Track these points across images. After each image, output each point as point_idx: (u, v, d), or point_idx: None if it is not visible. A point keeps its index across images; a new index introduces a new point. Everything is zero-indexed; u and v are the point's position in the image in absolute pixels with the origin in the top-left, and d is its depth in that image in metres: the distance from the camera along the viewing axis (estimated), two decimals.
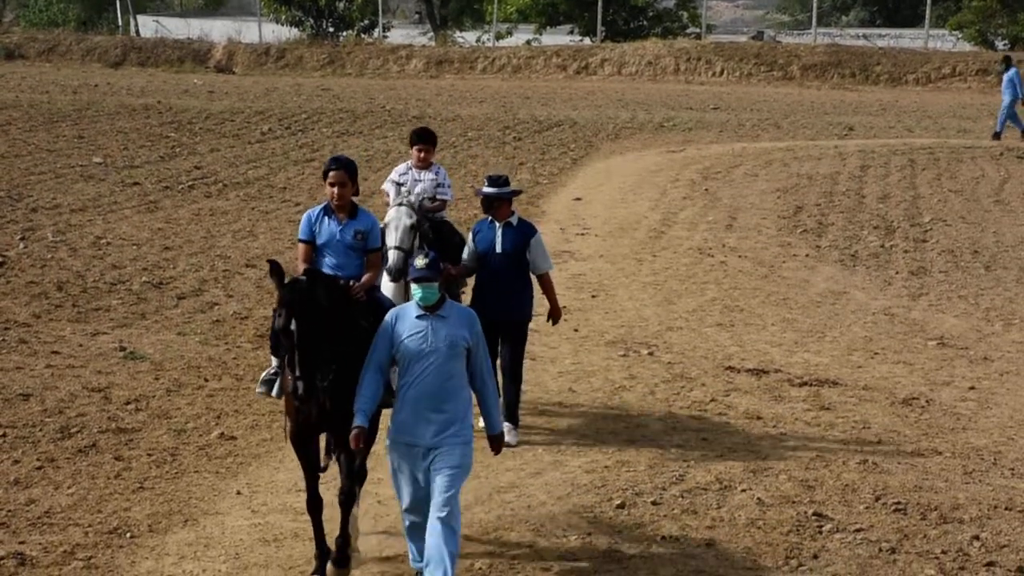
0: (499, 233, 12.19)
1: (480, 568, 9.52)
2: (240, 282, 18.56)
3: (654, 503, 10.82)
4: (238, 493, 10.99)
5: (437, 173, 13.47)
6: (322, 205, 10.09)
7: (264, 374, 10.19)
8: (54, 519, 10.35)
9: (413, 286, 8.66)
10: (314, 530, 9.29)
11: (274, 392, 9.86)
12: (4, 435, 12.09)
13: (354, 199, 10.08)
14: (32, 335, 15.52)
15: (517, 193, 12.63)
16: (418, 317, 8.66)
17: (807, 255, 21.43)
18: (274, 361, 9.98)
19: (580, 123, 37.37)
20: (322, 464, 9.45)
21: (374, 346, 8.74)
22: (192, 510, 10.63)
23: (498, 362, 12.17)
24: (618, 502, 10.79)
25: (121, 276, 18.59)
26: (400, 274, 11.87)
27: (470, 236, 12.42)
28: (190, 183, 26.29)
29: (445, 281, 11.72)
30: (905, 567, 9.68)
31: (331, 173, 9.95)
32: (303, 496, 9.44)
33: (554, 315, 12.63)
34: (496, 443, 9.07)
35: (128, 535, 10.10)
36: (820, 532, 10.26)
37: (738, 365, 15.02)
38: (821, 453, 12.08)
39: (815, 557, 9.82)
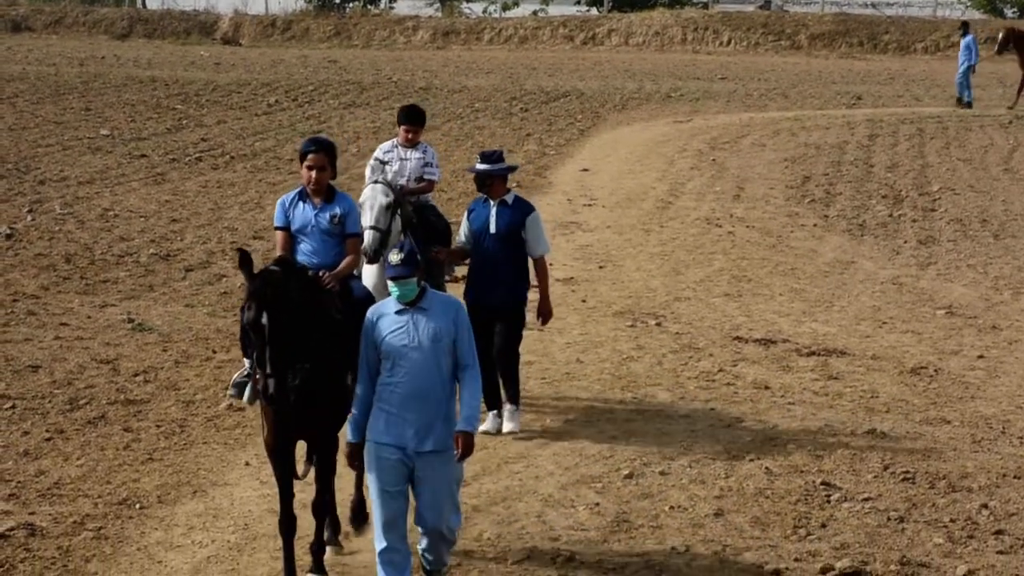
0: (493, 212, 11.52)
1: (488, 538, 9.54)
2: None
3: (662, 473, 10.83)
4: (247, 464, 11.01)
5: (424, 152, 12.74)
6: (297, 189, 9.57)
7: (235, 376, 9.56)
8: (64, 490, 10.38)
9: (389, 284, 8.14)
10: (284, 554, 8.72)
11: (245, 397, 9.21)
12: (13, 407, 12.12)
13: (331, 183, 9.56)
14: (40, 307, 15.53)
15: (512, 169, 11.96)
16: (398, 312, 8.14)
17: (815, 225, 21.39)
18: (246, 363, 9.26)
19: (587, 94, 37.30)
20: (300, 473, 8.97)
21: (362, 353, 8.21)
22: (201, 481, 10.66)
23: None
24: (626, 472, 10.80)
25: (129, 248, 18.60)
26: (377, 255, 11.31)
27: (465, 215, 11.80)
28: (197, 155, 26.29)
29: (433, 266, 11.47)
30: (914, 536, 9.69)
31: (309, 156, 9.37)
32: (310, 464, 9.11)
33: (543, 312, 11.88)
34: (464, 443, 8.19)
35: (137, 506, 10.13)
36: (828, 501, 10.27)
37: (746, 335, 15.01)
38: (829, 423, 12.08)
39: (823, 526, 9.83)
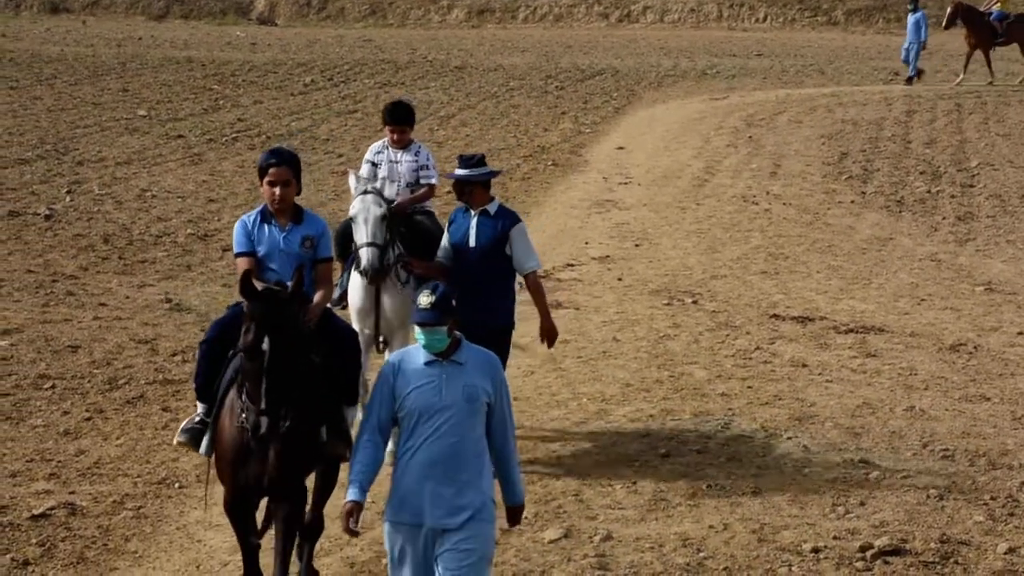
0: (473, 223, 10.03)
1: (526, 517, 9.53)
2: None
3: (699, 451, 10.81)
4: None
5: (418, 154, 11.45)
6: (258, 209, 8.36)
7: (187, 421, 8.41)
8: (103, 469, 10.44)
9: (417, 330, 6.92)
10: None
11: (202, 449, 8.12)
12: (53, 386, 12.20)
13: (296, 200, 8.35)
14: (79, 287, 15.62)
15: (493, 175, 10.25)
16: (427, 364, 6.89)
17: (852, 201, 21.28)
18: (199, 408, 8.28)
19: (622, 71, 37.19)
20: (254, 539, 7.94)
21: (374, 402, 6.97)
22: None
23: None
24: (663, 451, 10.79)
25: (166, 228, 18.68)
26: (377, 274, 10.34)
27: (446, 226, 10.38)
28: (234, 135, 26.35)
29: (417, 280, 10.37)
30: (953, 513, 9.64)
31: (271, 170, 8.18)
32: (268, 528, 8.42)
33: (546, 334, 10.31)
34: (515, 515, 7.32)
35: (176, 485, 10.18)
36: (867, 479, 10.23)
37: (783, 313, 14.96)
38: (867, 400, 12.03)
39: (862, 504, 9.79)
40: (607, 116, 29.84)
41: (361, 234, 10.29)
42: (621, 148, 25.76)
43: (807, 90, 33.31)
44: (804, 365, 13.11)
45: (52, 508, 9.65)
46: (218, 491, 8.12)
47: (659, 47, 45.24)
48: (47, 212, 19.10)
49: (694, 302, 15.41)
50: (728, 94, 32.90)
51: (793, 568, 8.80)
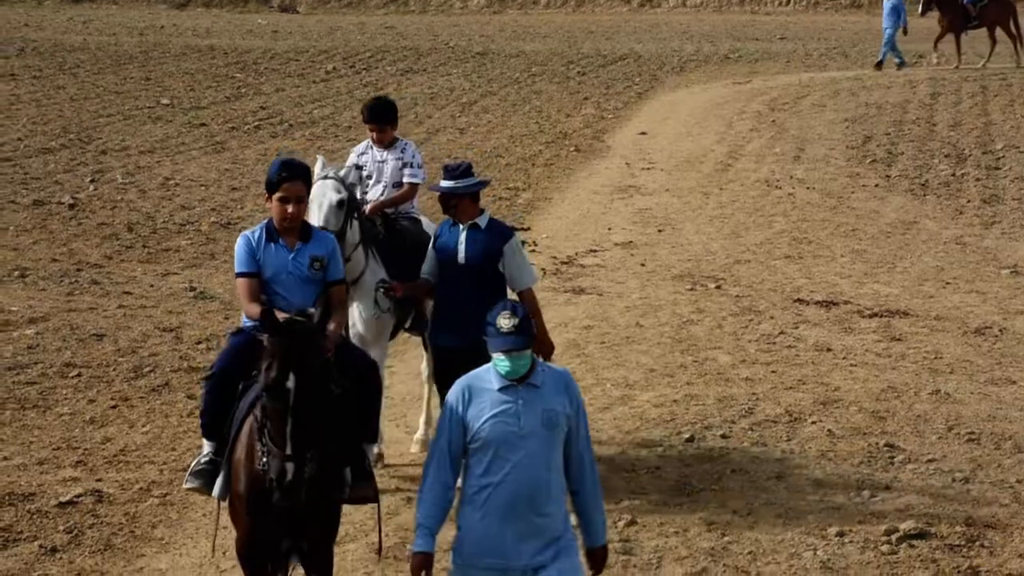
0: (462, 238, 9.17)
1: None
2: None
3: (723, 436, 10.80)
4: None
5: (403, 151, 10.82)
6: (262, 225, 7.71)
7: (194, 463, 7.80)
8: (129, 457, 10.49)
9: (497, 355, 6.32)
10: None
11: (216, 491, 7.36)
12: (79, 375, 12.26)
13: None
14: (104, 276, 15.68)
15: (482, 185, 9.44)
16: (502, 390, 6.30)
17: (876, 185, 21.21)
18: (206, 446, 7.70)
19: (644, 56, 37.10)
20: None
21: (442, 436, 6.35)
22: None
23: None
24: (687, 436, 10.79)
25: (190, 217, 18.73)
26: None
27: (431, 241, 9.52)
28: (256, 123, 26.38)
29: (400, 302, 9.81)
30: (979, 497, 9.62)
31: (285, 185, 7.48)
32: None
33: (543, 349, 9.18)
34: (598, 560, 6.58)
35: None
36: (892, 463, 10.21)
37: (807, 297, 14.93)
38: (892, 384, 12.01)
39: (887, 488, 9.78)
40: (629, 101, 29.78)
41: (315, 219, 9.34)
42: (643, 133, 25.71)
43: (831, 73, 33.18)
44: (828, 349, 13.08)
45: (79, 495, 9.70)
46: (229, 535, 7.72)
47: (681, 31, 45.12)
48: (71, 201, 19.17)
49: (717, 287, 15.39)
50: (751, 78, 32.78)
51: (818, 552, 8.79)
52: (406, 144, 10.92)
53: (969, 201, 20.10)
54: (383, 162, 10.78)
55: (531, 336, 6.35)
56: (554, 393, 6.36)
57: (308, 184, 7.74)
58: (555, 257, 16.75)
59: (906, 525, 9.07)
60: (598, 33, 44.80)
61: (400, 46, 39.46)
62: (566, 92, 30.83)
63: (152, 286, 15.35)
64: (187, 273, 15.93)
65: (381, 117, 10.78)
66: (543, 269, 16.10)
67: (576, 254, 16.91)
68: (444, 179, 9.21)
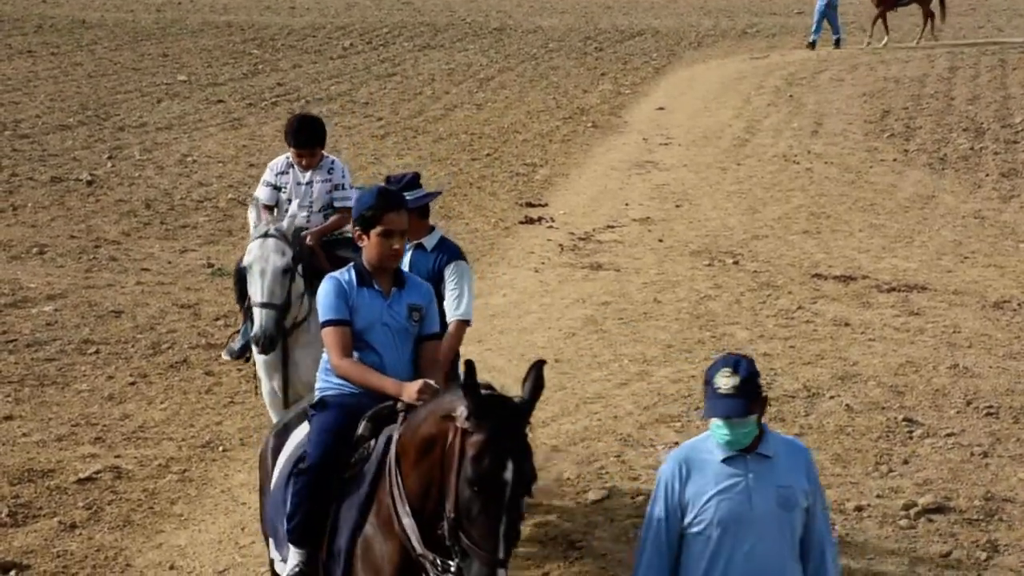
0: (406, 260, 7.77)
1: (568, 478, 9.57)
2: None
3: None
4: None
5: (331, 171, 9.40)
6: (350, 267, 6.55)
7: (284, 571, 6.40)
8: (148, 433, 10.53)
9: (716, 423, 5.43)
10: None
11: None
12: (98, 351, 12.30)
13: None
14: (122, 252, 15.72)
15: (431, 198, 8.22)
16: (726, 461, 5.45)
17: (895, 159, 21.13)
18: (293, 557, 6.32)
19: (662, 32, 36.98)
20: None
21: (655, 514, 5.53)
22: None
23: None
24: None
25: (208, 193, 18.75)
26: (272, 343, 8.14)
27: None
28: (273, 100, 26.37)
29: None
30: (998, 471, 9.60)
31: (388, 216, 6.42)
32: None
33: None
34: None
35: (220, 448, 10.26)
36: (911, 438, 10.20)
37: (825, 272, 14.90)
38: (911, 358, 11.98)
39: (905, 463, 9.77)
40: (647, 77, 29.69)
41: (256, 290, 8.18)
42: (661, 109, 25.64)
43: (849, 48, 33.03)
44: (847, 324, 13.05)
45: (98, 472, 9.74)
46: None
47: (699, 6, 44.93)
48: (89, 178, 19.20)
49: (735, 262, 15.35)
50: (768, 53, 32.65)
51: (836, 527, 8.78)
52: (333, 162, 9.48)
53: (987, 175, 20.01)
54: (308, 184, 9.33)
55: (755, 399, 5.39)
56: (790, 466, 5.49)
57: (408, 211, 6.63)
58: (573, 233, 16.73)
59: (925, 500, 9.06)
60: (615, 8, 44.65)
61: (417, 22, 39.38)
62: (583, 67, 30.76)
63: (170, 263, 15.38)
64: (205, 250, 15.95)
65: (310, 141, 9.32)
66: (560, 245, 16.10)
67: (594, 230, 16.89)
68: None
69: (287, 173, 9.40)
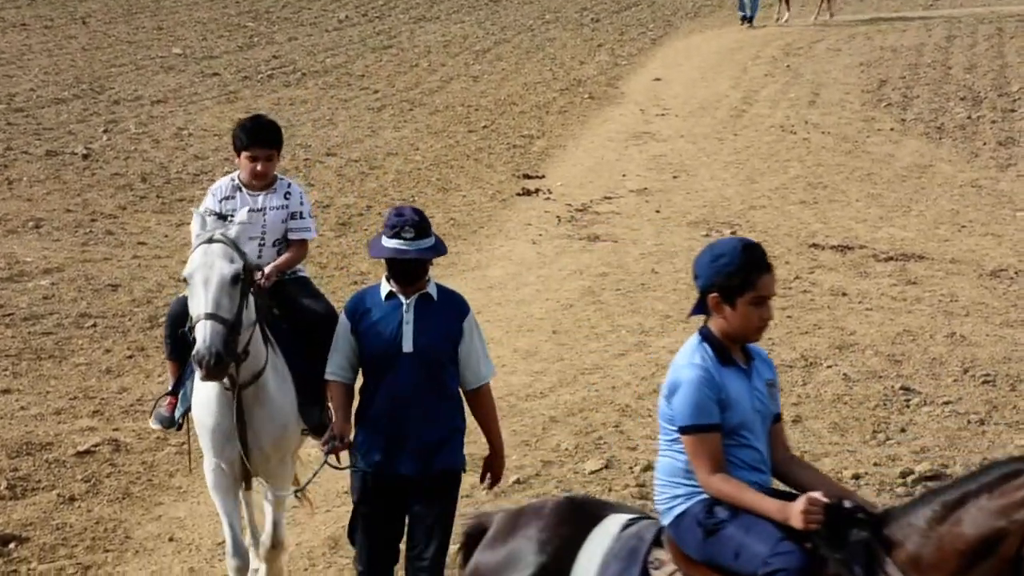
0: (408, 317, 6.47)
1: (567, 448, 9.58)
2: (321, 171, 18.63)
3: None
4: None
5: (288, 195, 7.57)
6: (701, 342, 5.74)
7: None
8: (146, 406, 10.50)
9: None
10: None
11: None
12: (95, 325, 12.29)
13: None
14: (118, 226, 15.69)
15: (443, 252, 6.62)
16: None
17: (892, 129, 21.11)
18: None
19: (658, 2, 36.89)
20: None
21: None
22: None
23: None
24: None
25: (203, 167, 18.71)
26: (220, 364, 6.43)
27: (343, 316, 6.63)
28: (269, 72, 26.31)
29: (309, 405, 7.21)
30: (994, 438, 9.62)
31: (764, 279, 5.51)
32: None
33: (494, 470, 6.82)
34: None
35: None
36: (908, 406, 10.21)
37: (822, 242, 14.89)
38: (908, 327, 11.99)
39: (903, 431, 9.78)
40: (643, 48, 29.64)
41: (199, 301, 6.56)
42: (658, 80, 25.59)
43: (846, 17, 32.97)
44: (844, 294, 13.06)
45: (97, 445, 9.75)
46: None
47: None
48: (84, 151, 19.16)
49: (733, 232, 15.34)
50: (765, 23, 32.59)
51: None
52: (290, 185, 7.65)
53: (985, 144, 20.00)
54: (260, 211, 7.46)
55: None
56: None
57: None
58: (570, 204, 16.71)
59: (922, 467, 9.08)
60: None
61: None
62: (580, 39, 30.69)
63: (166, 236, 15.36)
64: None
65: (269, 138, 7.52)
66: (557, 217, 16.08)
67: (591, 201, 16.87)
68: (390, 238, 6.44)
69: (233, 198, 7.50)
